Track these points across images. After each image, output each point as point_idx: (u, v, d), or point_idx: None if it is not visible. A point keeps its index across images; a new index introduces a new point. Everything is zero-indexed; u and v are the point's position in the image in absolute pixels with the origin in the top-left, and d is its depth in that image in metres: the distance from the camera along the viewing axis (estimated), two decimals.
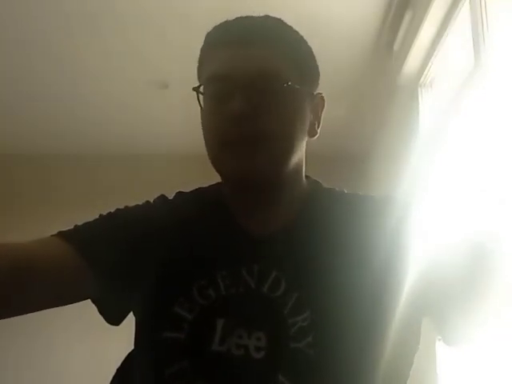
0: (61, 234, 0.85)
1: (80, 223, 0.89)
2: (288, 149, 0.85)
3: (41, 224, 2.34)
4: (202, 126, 0.88)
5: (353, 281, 0.81)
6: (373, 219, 0.86)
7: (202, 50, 0.90)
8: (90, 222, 0.89)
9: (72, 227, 0.88)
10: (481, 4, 2.03)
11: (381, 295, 0.81)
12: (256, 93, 0.82)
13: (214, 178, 0.95)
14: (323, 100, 0.92)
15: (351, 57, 3.15)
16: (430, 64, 2.70)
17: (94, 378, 1.80)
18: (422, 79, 2.82)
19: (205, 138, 0.88)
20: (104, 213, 0.90)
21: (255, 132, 0.82)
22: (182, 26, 2.90)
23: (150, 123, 3.92)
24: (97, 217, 0.90)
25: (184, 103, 3.47)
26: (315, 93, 0.91)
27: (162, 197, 0.94)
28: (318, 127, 0.91)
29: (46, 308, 0.83)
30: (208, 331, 0.81)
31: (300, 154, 0.88)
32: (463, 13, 2.25)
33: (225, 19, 0.89)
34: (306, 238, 0.86)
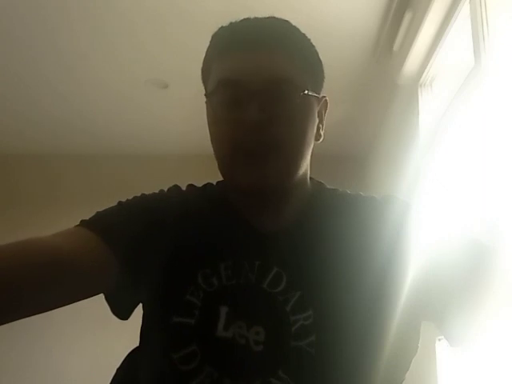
0: (84, 224, 0.84)
1: (100, 210, 0.89)
2: (299, 157, 0.85)
3: (45, 224, 2.34)
4: (211, 131, 0.87)
5: (355, 281, 0.82)
6: (375, 219, 0.87)
7: (209, 52, 0.89)
8: (111, 209, 0.89)
9: (94, 215, 0.87)
10: (481, 4, 2.03)
11: (382, 295, 0.81)
12: (271, 100, 0.81)
13: (215, 178, 0.95)
14: (327, 103, 0.92)
15: (351, 57, 3.15)
16: (429, 64, 2.70)
17: (94, 378, 1.80)
18: (422, 79, 2.82)
19: (215, 144, 0.87)
20: (122, 200, 0.91)
21: (270, 141, 0.81)
22: (182, 25, 2.90)
23: (150, 123, 3.92)
24: (115, 204, 0.90)
25: (184, 103, 3.49)
26: (321, 96, 0.90)
27: (176, 186, 0.95)
28: (323, 130, 0.91)
29: (71, 302, 0.80)
30: (213, 317, 0.81)
31: (308, 159, 0.88)
32: (463, 13, 2.25)
33: (227, 20, 0.87)
34: (310, 237, 0.87)
